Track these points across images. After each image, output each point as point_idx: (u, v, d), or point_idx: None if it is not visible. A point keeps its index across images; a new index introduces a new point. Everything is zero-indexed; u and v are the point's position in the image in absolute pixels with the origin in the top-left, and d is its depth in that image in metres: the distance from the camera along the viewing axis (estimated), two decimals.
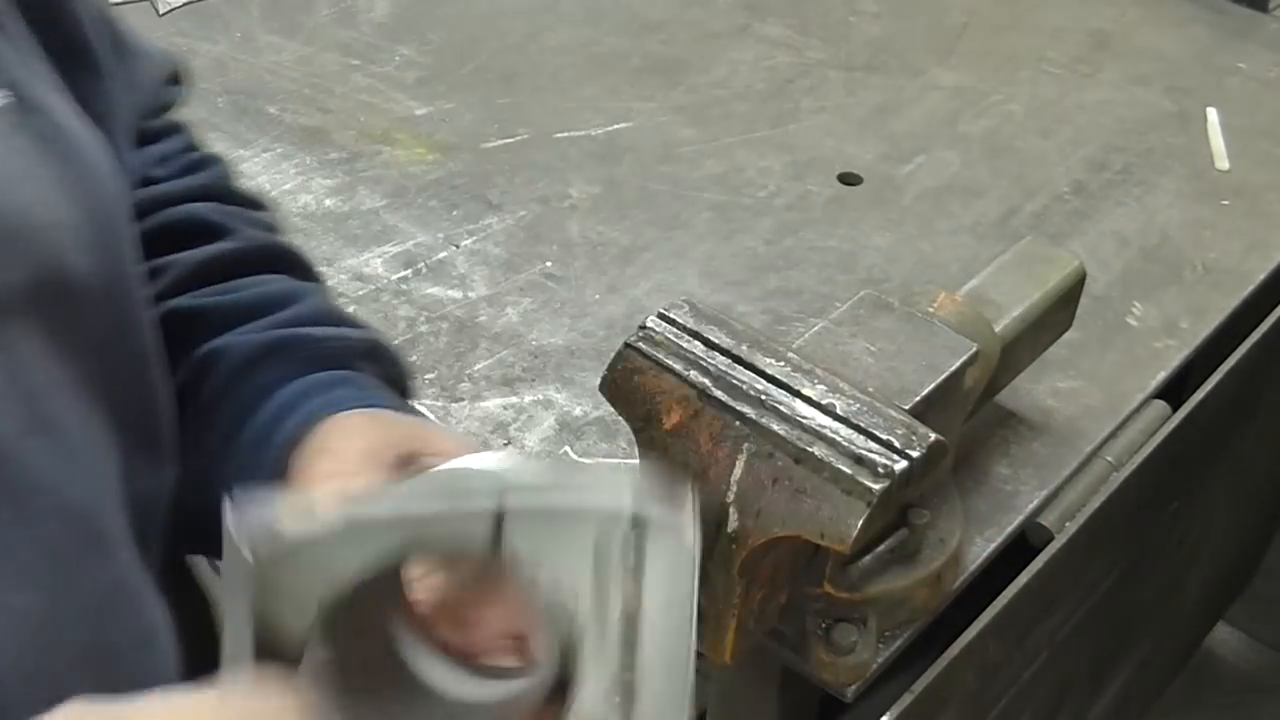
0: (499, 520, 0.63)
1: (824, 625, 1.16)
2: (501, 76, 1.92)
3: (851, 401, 1.06)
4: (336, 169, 1.74)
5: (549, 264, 1.60)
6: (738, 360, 1.09)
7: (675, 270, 1.60)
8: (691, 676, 0.65)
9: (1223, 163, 1.84)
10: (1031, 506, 1.33)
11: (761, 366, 1.08)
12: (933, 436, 1.04)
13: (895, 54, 2.04)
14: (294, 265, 1.02)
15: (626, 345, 1.11)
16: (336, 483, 0.78)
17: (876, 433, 1.03)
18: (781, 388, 1.06)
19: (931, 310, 1.22)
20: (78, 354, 0.77)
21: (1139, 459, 1.38)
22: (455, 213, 1.67)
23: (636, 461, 1.01)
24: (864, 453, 1.01)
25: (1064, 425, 1.42)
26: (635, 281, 1.58)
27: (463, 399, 1.42)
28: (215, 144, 1.58)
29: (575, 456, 1.35)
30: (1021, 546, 1.31)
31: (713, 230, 1.67)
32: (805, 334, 1.19)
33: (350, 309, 1.37)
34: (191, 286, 0.96)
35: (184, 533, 0.92)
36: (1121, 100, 1.97)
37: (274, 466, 0.85)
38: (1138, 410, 1.45)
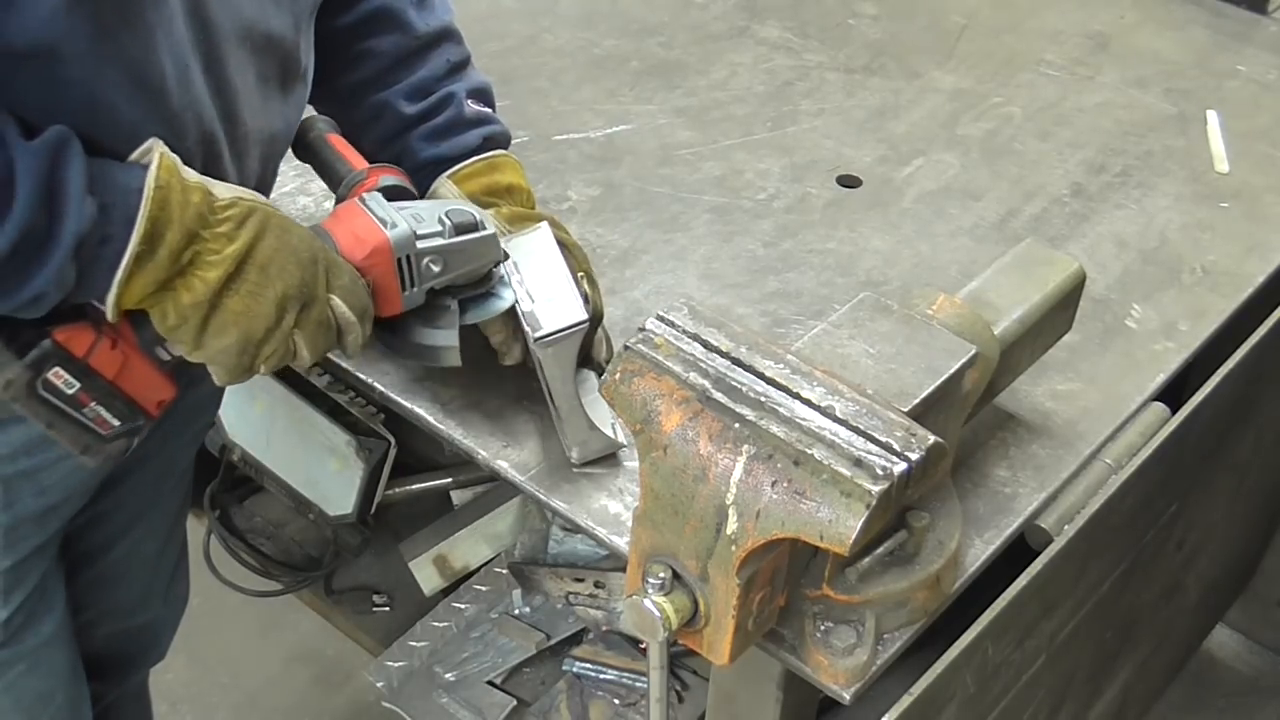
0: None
1: (823, 627, 1.16)
2: (500, 78, 1.91)
3: (851, 404, 1.06)
4: None
5: None
6: (737, 362, 1.09)
7: (674, 273, 1.60)
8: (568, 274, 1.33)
9: (1222, 165, 1.84)
10: (1031, 509, 1.33)
11: (761, 369, 1.08)
12: (932, 439, 1.05)
13: (894, 56, 2.04)
14: (456, 40, 1.47)
15: (626, 347, 1.11)
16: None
17: (876, 435, 1.03)
18: (781, 390, 1.07)
19: (931, 312, 1.22)
20: None
21: (1138, 461, 1.38)
22: None
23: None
24: (863, 455, 1.01)
25: (1063, 427, 1.42)
26: (634, 284, 1.58)
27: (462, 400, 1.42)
28: None
29: (574, 461, 1.35)
30: (1021, 549, 1.31)
31: (712, 233, 1.67)
32: (804, 336, 1.19)
33: None
34: (388, 79, 1.42)
35: None
36: (1121, 102, 1.97)
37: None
38: (1137, 412, 1.45)
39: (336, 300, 1.19)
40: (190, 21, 1.12)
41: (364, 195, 1.27)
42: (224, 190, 1.13)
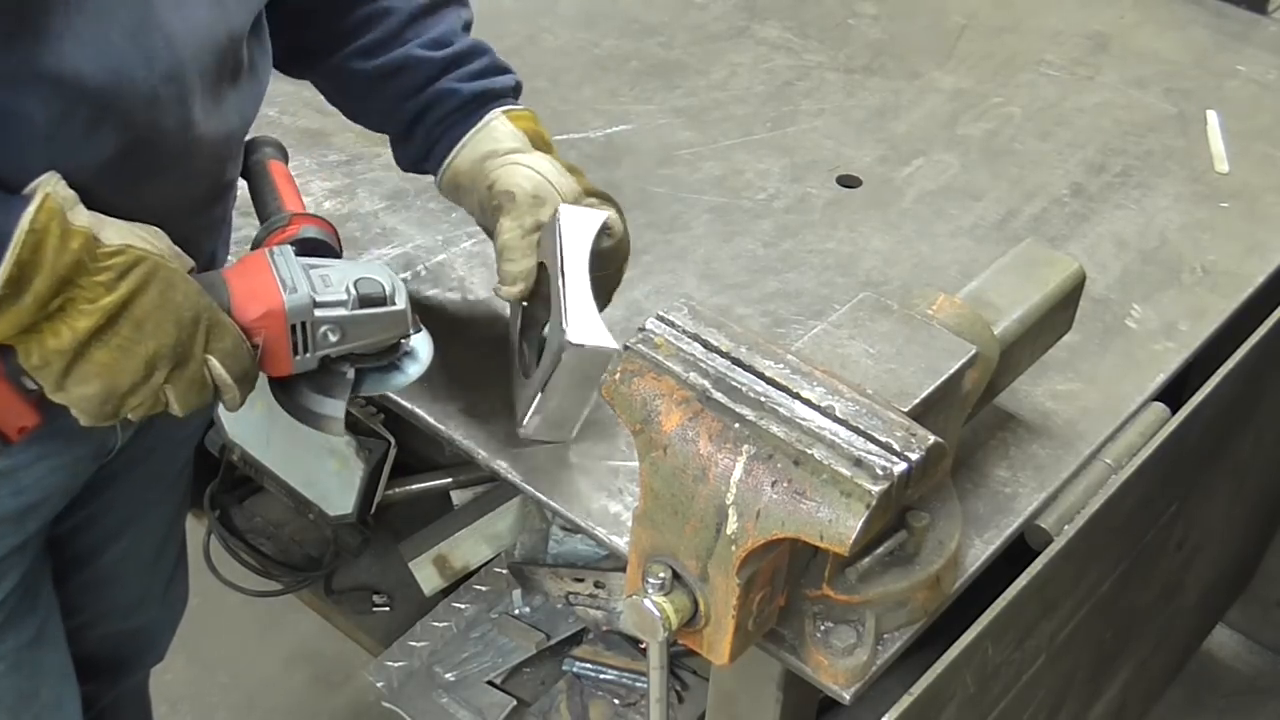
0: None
1: (823, 627, 1.16)
2: None
3: (851, 404, 1.06)
4: (336, 171, 1.74)
5: None
6: (737, 362, 1.09)
7: (674, 273, 1.60)
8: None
9: (1222, 165, 1.84)
10: (1031, 509, 1.33)
11: (761, 369, 1.08)
12: (932, 439, 1.05)
13: (894, 56, 2.04)
14: (462, 1, 1.47)
15: (626, 347, 1.11)
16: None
17: (876, 435, 1.03)
18: (781, 390, 1.07)
19: (931, 312, 1.22)
20: None
21: (1138, 461, 1.38)
22: (454, 215, 1.66)
23: None
24: (863, 455, 1.01)
25: (1063, 427, 1.42)
26: (634, 284, 1.58)
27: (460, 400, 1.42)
28: None
29: (574, 460, 1.35)
30: (1021, 549, 1.31)
31: (712, 233, 1.67)
32: (804, 336, 1.19)
33: None
34: (408, 34, 1.40)
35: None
36: (1121, 102, 1.97)
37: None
38: (1137, 412, 1.45)
39: (214, 362, 1.15)
40: (137, 25, 1.09)
41: (274, 248, 1.23)
42: (115, 236, 1.09)
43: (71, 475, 1.38)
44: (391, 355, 1.28)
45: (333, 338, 1.21)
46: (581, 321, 1.25)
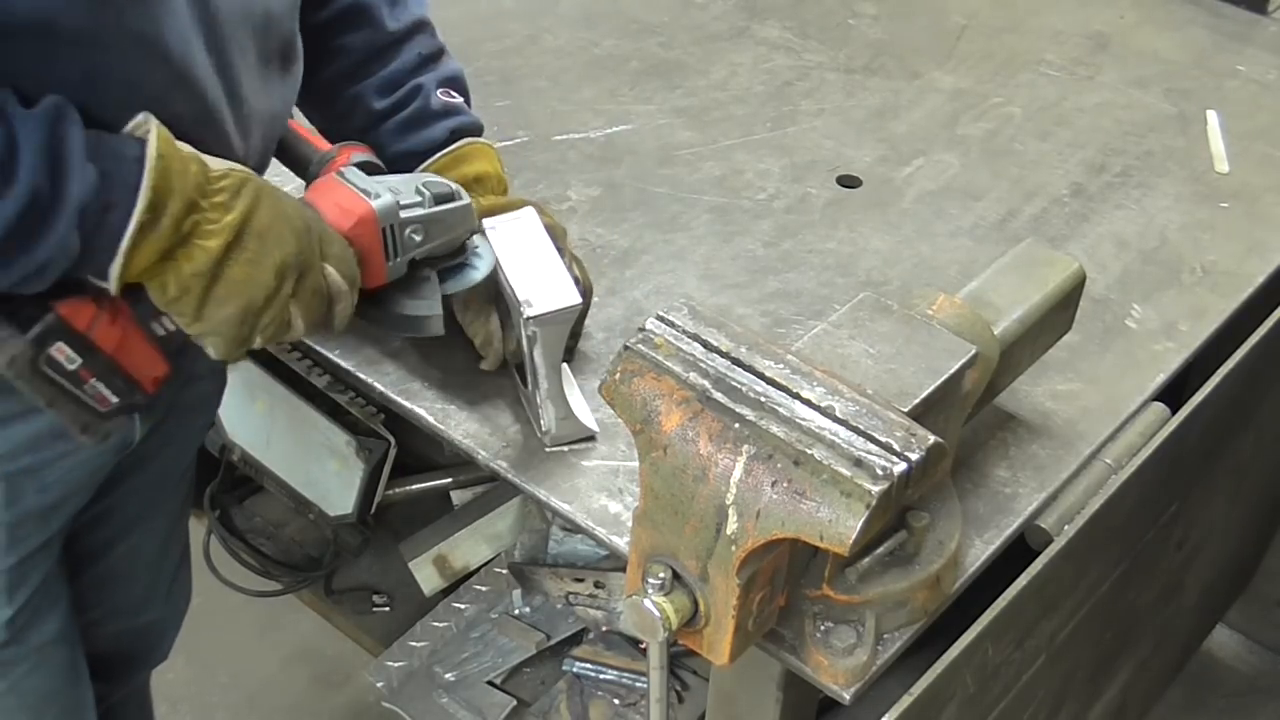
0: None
1: (823, 627, 1.16)
2: (501, 79, 1.92)
3: (851, 404, 1.06)
4: None
5: None
6: (737, 362, 1.09)
7: (674, 273, 1.60)
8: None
9: (1222, 165, 1.84)
10: (1031, 509, 1.33)
11: (761, 369, 1.08)
12: (932, 439, 1.05)
13: (894, 56, 2.04)
14: (429, 32, 1.49)
15: (626, 347, 1.11)
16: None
17: (876, 435, 1.03)
18: (781, 390, 1.07)
19: (931, 313, 1.22)
20: None
21: (1138, 461, 1.38)
22: None
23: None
24: (863, 455, 1.01)
25: (1063, 427, 1.42)
26: (634, 284, 1.58)
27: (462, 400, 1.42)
28: None
29: (574, 460, 1.35)
30: (1021, 549, 1.31)
31: (712, 233, 1.67)
32: (804, 336, 1.19)
33: None
34: (360, 74, 1.44)
35: None
36: (1121, 103, 1.97)
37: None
38: (1137, 412, 1.45)
39: (330, 268, 1.20)
40: (192, 1, 1.13)
41: (342, 169, 1.28)
42: (215, 163, 1.14)
43: (93, 470, 1.39)
44: (462, 254, 1.34)
45: (417, 238, 1.27)
46: (534, 298, 1.30)
